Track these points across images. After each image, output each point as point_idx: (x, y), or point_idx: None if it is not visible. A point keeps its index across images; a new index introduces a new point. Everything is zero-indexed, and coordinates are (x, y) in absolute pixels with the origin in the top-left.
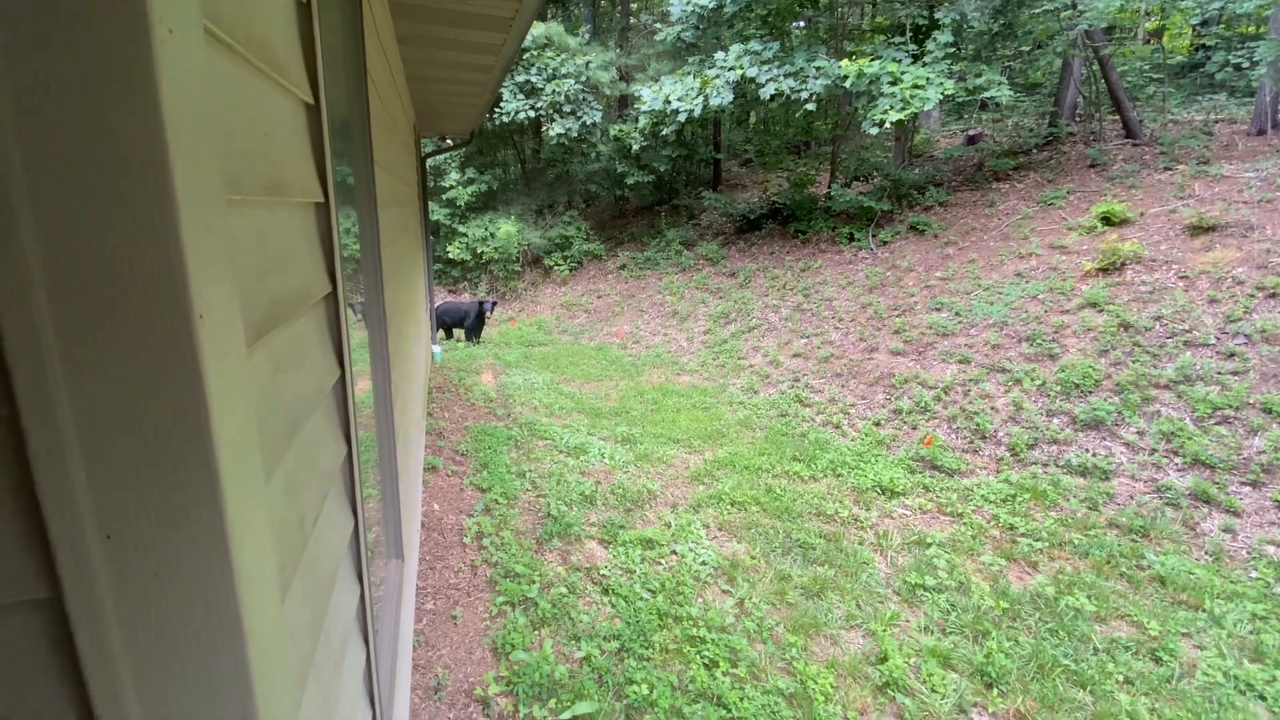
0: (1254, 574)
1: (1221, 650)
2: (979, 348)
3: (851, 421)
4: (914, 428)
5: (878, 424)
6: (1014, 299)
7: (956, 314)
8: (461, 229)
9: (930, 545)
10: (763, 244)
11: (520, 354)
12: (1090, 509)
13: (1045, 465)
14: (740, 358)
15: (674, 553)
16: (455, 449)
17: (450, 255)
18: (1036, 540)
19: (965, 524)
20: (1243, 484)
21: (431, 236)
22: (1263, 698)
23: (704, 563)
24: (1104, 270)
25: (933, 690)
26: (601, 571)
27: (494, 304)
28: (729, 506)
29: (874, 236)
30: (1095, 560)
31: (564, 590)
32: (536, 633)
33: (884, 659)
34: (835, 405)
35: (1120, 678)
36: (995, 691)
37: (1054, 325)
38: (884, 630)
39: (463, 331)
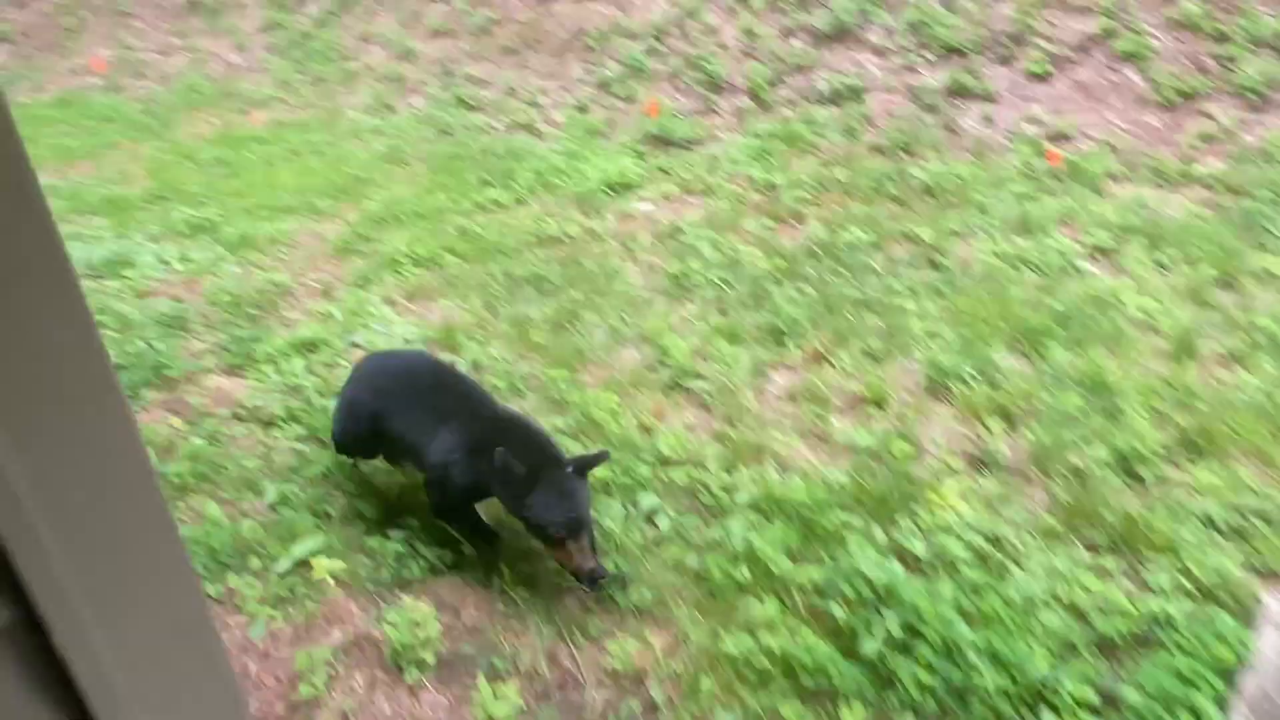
0: (1014, 158)
1: (993, 237)
2: None
3: (546, 115)
4: (631, 100)
5: (583, 109)
6: None
7: None
8: None
9: (686, 231)
10: None
11: None
12: (850, 139)
13: (794, 104)
14: (346, 58)
15: (356, 345)
16: None
17: None
18: (800, 190)
19: (720, 197)
20: (995, 63)
21: None
22: (1034, 268)
23: (409, 340)
24: None
25: (726, 366)
26: (247, 405)
27: None
28: (412, 268)
29: None
30: (863, 192)
31: (200, 443)
32: None
33: (666, 357)
34: (517, 98)
35: (905, 292)
36: (789, 343)
37: None
38: (659, 331)
39: None
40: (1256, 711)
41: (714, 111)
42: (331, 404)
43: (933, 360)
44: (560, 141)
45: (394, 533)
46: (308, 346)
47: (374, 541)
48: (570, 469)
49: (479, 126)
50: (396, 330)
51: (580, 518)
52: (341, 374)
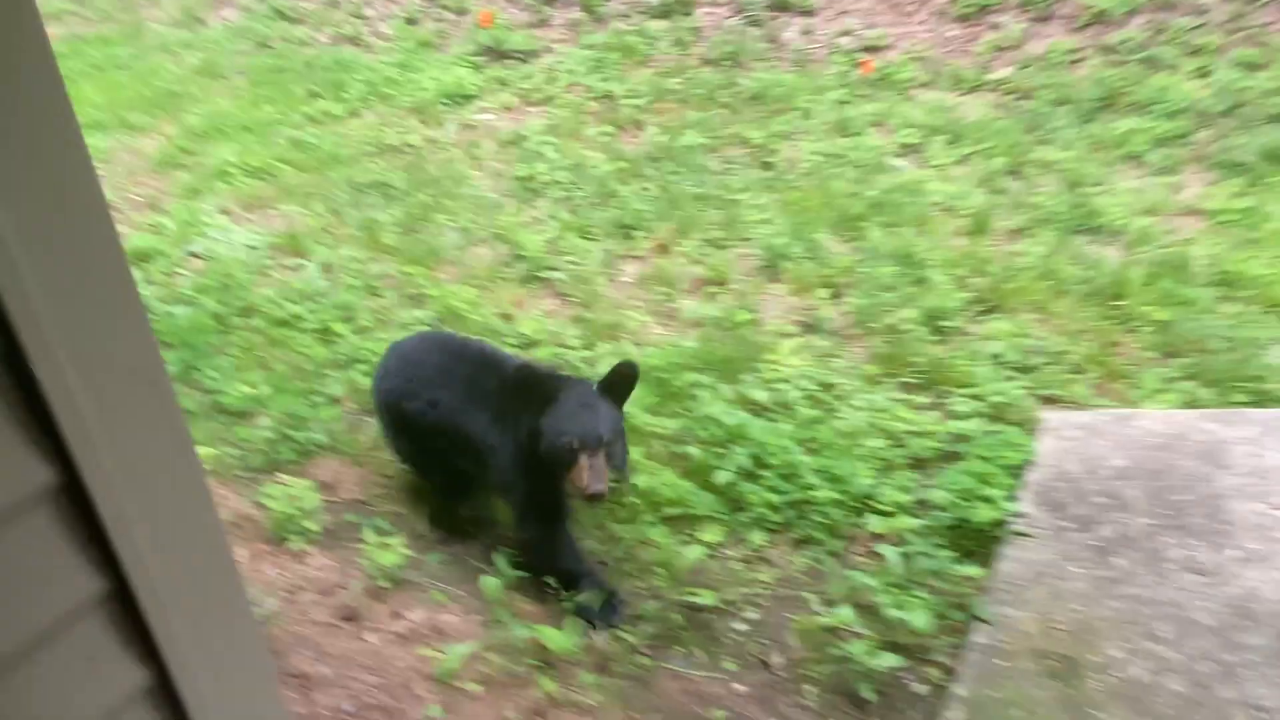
0: (832, 67)
1: (816, 138)
2: None
3: (374, 27)
4: (461, 11)
5: (412, 21)
6: None
7: None
8: None
9: (529, 139)
10: None
11: None
12: (681, 51)
13: (626, 16)
14: None
15: (195, 255)
16: None
17: None
18: (638, 99)
19: (560, 106)
20: None
21: None
22: (852, 164)
23: (253, 246)
24: None
25: (579, 258)
26: None
27: None
28: (245, 179)
29: None
30: (697, 99)
31: None
32: None
33: (521, 252)
34: (341, 10)
35: (740, 188)
36: (637, 236)
37: None
38: (511, 229)
39: None
40: (1038, 496)
41: (547, 24)
42: (178, 310)
43: (767, 245)
44: (391, 53)
45: (262, 420)
46: (141, 257)
47: (242, 431)
48: (594, 388)
49: (301, 39)
50: (237, 238)
51: (591, 429)
52: (183, 281)
